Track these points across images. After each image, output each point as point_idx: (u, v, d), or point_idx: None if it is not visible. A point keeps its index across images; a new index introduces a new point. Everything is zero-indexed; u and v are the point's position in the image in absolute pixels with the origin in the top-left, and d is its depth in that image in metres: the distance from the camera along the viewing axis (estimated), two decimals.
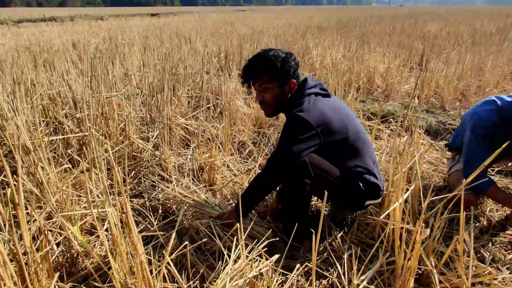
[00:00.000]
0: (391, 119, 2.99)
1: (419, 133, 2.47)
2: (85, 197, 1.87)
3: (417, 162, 1.46)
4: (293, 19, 14.65)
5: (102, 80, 2.39)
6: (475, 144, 1.66)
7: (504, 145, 1.10)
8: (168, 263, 1.04)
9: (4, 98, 2.37)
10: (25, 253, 1.02)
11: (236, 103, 2.98)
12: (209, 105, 2.78)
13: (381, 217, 1.41)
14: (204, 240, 1.52)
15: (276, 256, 1.19)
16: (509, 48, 4.87)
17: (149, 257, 1.14)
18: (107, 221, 1.41)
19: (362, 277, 1.24)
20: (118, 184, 0.97)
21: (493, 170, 2.26)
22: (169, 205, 1.87)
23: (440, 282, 1.31)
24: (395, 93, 3.64)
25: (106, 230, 1.57)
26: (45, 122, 2.52)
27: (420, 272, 1.37)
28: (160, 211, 1.82)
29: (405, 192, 1.47)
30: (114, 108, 2.39)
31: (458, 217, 1.82)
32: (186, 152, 2.48)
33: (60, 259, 1.42)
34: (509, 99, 1.67)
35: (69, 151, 2.06)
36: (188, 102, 3.13)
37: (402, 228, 1.24)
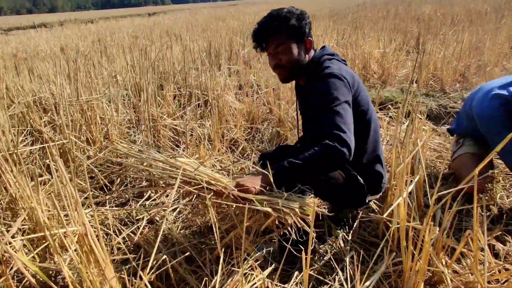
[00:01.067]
0: (389, 106, 2.85)
1: (420, 119, 2.33)
2: (63, 210, 1.74)
3: (420, 151, 1.33)
4: None
5: (82, 84, 2.25)
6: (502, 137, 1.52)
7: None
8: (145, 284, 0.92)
9: None
10: None
11: (226, 99, 2.84)
12: (198, 102, 2.64)
13: (384, 215, 1.29)
14: (187, 253, 1.40)
15: (268, 270, 1.07)
16: (506, 25, 4.71)
17: (124, 276, 1.02)
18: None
19: (367, 283, 1.11)
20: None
21: None
22: (154, 214, 1.74)
23: (452, 281, 1.19)
24: (392, 78, 3.50)
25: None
26: (26, 131, 2.40)
27: (431, 273, 1.25)
28: (145, 220, 1.69)
29: (409, 185, 1.34)
30: (96, 112, 2.26)
31: (466, 208, 1.70)
32: (175, 154, 2.35)
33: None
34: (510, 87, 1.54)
35: (47, 161, 1.92)
36: (178, 100, 3.00)
37: (408, 226, 1.12)
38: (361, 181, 1.34)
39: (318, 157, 1.11)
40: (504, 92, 1.54)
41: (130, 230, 1.63)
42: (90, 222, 1.69)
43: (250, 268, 1.05)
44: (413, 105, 2.70)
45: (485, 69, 3.14)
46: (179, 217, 1.80)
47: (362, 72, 3.59)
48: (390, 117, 2.76)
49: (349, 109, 1.19)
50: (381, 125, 2.62)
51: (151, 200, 1.94)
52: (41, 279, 1.12)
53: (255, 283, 1.05)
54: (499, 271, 1.26)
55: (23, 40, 10.06)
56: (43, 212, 1.15)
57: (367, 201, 1.39)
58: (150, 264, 0.93)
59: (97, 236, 0.93)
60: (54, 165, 1.40)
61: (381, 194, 1.47)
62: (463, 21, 5.98)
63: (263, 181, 1.16)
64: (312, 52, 1.38)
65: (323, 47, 1.41)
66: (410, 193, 1.50)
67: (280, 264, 1.08)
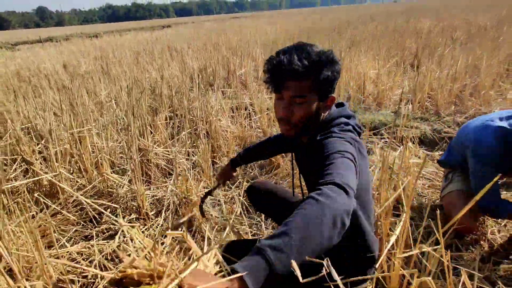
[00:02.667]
0: (382, 131, 2.84)
1: (410, 147, 2.32)
2: (51, 248, 1.74)
3: (402, 194, 1.31)
4: (286, 25, 14.57)
5: (73, 114, 2.26)
6: (488, 173, 1.49)
7: (495, 178, 0.95)
8: None
9: None
10: None
11: (219, 124, 2.84)
12: (190, 130, 2.65)
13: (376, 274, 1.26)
14: None
15: None
16: (505, 43, 4.70)
17: None
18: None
19: None
20: None
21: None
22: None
23: None
24: (387, 100, 3.49)
25: None
26: (19, 159, 2.41)
27: None
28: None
29: (392, 236, 1.32)
30: (87, 142, 2.27)
31: (456, 243, 1.67)
32: (167, 183, 2.35)
33: None
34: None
35: (36, 194, 1.93)
36: (172, 125, 3.01)
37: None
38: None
39: (315, 212, 0.71)
40: (505, 124, 1.52)
41: (117, 270, 1.62)
42: (74, 260, 1.68)
43: None
44: (405, 130, 2.69)
45: (480, 92, 3.13)
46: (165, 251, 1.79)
47: (357, 94, 3.59)
48: (384, 142, 2.75)
49: (354, 166, 0.89)
50: (374, 150, 2.60)
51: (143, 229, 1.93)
52: None
53: None
54: None
55: (28, 56, 10.22)
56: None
57: None
58: None
59: None
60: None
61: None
62: (460, 37, 5.99)
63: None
64: (327, 112, 1.08)
65: (342, 103, 1.14)
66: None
67: None
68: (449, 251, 0.96)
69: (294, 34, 9.17)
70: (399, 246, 1.23)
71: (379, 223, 1.48)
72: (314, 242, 0.67)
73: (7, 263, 1.40)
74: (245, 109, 3.43)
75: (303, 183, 1.29)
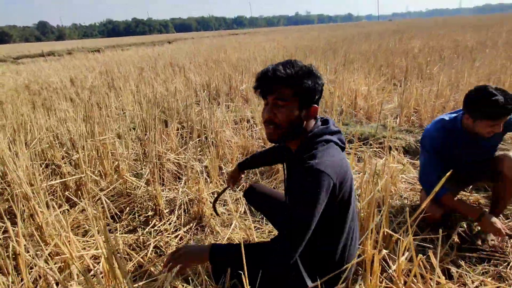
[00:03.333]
0: (371, 142, 3.15)
1: (393, 155, 2.62)
2: (83, 236, 2.01)
3: (387, 191, 1.60)
4: (284, 41, 15.13)
5: (95, 123, 2.56)
6: (427, 158, 1.84)
7: (447, 174, 1.25)
8: None
9: (5, 144, 2.55)
10: None
11: (224, 134, 3.15)
12: (199, 139, 2.95)
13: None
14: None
15: None
16: (483, 64, 5.09)
17: None
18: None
19: None
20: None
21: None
22: (158, 240, 2.00)
23: None
24: (376, 115, 3.82)
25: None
26: (44, 164, 2.69)
27: None
28: (152, 245, 1.95)
29: (373, 221, 1.61)
30: (108, 148, 2.55)
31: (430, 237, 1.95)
32: (178, 186, 2.63)
33: None
34: (453, 115, 1.86)
35: (66, 193, 2.20)
36: (181, 135, 3.31)
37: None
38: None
39: (261, 256, 1.11)
40: (445, 117, 1.88)
41: (140, 256, 1.88)
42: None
43: None
44: (391, 140, 3.00)
45: (460, 107, 3.46)
46: (180, 243, 2.06)
47: (349, 108, 3.92)
48: (374, 151, 3.06)
49: (316, 219, 1.09)
50: (362, 157, 2.91)
51: (156, 227, 2.20)
52: None
53: None
54: None
55: (34, 70, 10.54)
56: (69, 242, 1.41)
57: None
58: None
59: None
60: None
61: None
62: (448, 57, 6.40)
63: (197, 257, 1.18)
64: (313, 121, 1.22)
65: (327, 121, 1.26)
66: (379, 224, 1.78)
67: None
68: (411, 234, 1.24)
69: (291, 52, 9.61)
70: (381, 232, 1.51)
71: (362, 214, 1.77)
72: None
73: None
74: (247, 122, 3.74)
75: None
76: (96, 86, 7.23)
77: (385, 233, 1.79)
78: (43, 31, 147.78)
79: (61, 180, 2.20)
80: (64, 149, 2.87)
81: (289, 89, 1.13)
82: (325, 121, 1.26)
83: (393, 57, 6.89)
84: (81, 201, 2.26)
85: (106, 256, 1.13)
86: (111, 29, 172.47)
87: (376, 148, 3.05)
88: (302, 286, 1.21)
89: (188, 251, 1.18)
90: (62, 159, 2.78)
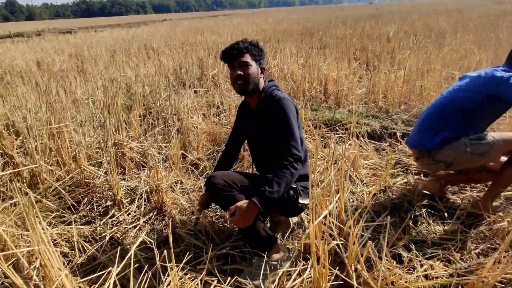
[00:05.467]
0: (337, 128, 3.16)
1: (355, 141, 2.65)
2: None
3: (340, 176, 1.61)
4: (264, 24, 14.89)
5: (53, 110, 2.45)
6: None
7: None
8: None
9: None
10: None
11: (191, 121, 3.08)
12: (162, 126, 2.87)
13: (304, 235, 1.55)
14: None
15: None
16: (452, 49, 5.17)
17: None
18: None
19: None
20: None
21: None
22: (115, 232, 1.96)
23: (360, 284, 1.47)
24: (345, 101, 3.84)
25: None
26: None
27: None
28: (107, 237, 1.90)
29: (328, 206, 1.62)
30: (65, 137, 2.45)
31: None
32: (140, 174, 2.57)
33: None
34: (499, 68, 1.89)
35: (18, 185, 2.11)
36: (149, 121, 3.22)
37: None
38: (300, 193, 1.75)
39: (290, 178, 1.57)
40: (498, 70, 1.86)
41: (95, 248, 1.84)
42: (55, 241, 1.89)
43: None
44: (357, 127, 3.03)
45: (423, 93, 3.52)
46: (139, 234, 2.02)
47: (319, 94, 3.92)
48: (340, 136, 3.08)
49: (298, 134, 1.64)
50: (328, 144, 2.92)
51: (114, 218, 2.15)
52: None
53: None
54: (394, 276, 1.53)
55: None
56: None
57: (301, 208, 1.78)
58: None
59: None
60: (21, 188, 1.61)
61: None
62: (424, 41, 6.46)
63: (254, 210, 1.54)
64: (262, 79, 1.78)
65: (272, 80, 1.83)
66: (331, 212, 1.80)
67: None
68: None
69: (269, 35, 9.47)
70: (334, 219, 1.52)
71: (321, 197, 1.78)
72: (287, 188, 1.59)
73: None
74: (218, 108, 3.69)
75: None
76: (63, 70, 6.94)
77: (341, 219, 1.82)
78: (11, 10, 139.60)
79: (10, 171, 2.10)
80: (21, 138, 2.74)
81: (247, 54, 1.70)
82: (270, 80, 1.84)
83: (368, 42, 6.91)
84: (35, 192, 2.19)
85: (39, 252, 1.08)
86: (85, 10, 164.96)
87: (342, 134, 3.07)
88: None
89: (243, 216, 1.53)
90: (20, 147, 2.66)
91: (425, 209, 2.06)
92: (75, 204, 2.25)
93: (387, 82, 3.92)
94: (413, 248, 1.77)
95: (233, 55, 1.69)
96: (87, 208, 2.25)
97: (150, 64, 6.45)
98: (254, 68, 1.70)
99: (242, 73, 1.68)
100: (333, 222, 1.69)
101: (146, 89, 3.69)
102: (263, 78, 1.80)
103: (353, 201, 2.22)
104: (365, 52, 6.24)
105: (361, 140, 2.88)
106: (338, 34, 8.15)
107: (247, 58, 1.69)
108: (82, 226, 2.07)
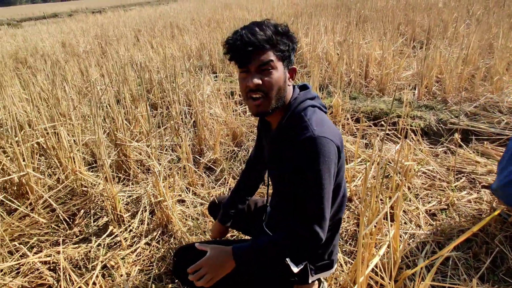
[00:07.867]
0: (383, 122, 2.62)
1: (409, 143, 2.11)
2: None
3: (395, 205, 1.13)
4: None
5: (49, 107, 2.11)
6: None
7: None
8: None
9: None
10: None
11: (207, 114, 2.66)
12: (173, 122, 2.47)
13: None
14: None
15: None
16: None
17: None
18: None
19: None
20: None
21: None
22: (109, 258, 1.61)
23: None
24: (391, 86, 3.23)
25: None
26: None
27: None
28: (99, 267, 1.56)
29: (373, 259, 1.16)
30: (62, 137, 2.12)
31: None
32: (147, 180, 2.21)
33: None
34: None
35: (1, 196, 1.81)
36: (160, 112, 2.84)
37: None
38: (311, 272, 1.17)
39: (291, 247, 1.02)
40: None
41: (84, 280, 1.51)
42: (38, 270, 1.58)
43: None
44: (408, 122, 2.47)
45: (493, 77, 2.84)
46: (138, 259, 1.67)
47: (358, 79, 3.33)
48: (387, 134, 2.54)
49: (331, 193, 1.01)
50: (373, 143, 2.40)
51: (112, 236, 1.81)
52: None
53: None
54: None
55: (29, 35, 10.03)
56: None
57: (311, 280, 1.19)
58: None
59: None
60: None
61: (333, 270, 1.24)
62: (480, 11, 5.56)
63: (228, 264, 1.02)
64: (291, 87, 1.08)
65: (305, 85, 1.13)
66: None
67: None
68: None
69: (301, 9, 8.74)
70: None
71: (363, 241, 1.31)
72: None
73: None
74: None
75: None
76: (87, 52, 6.72)
77: (395, 260, 1.35)
78: None
79: None
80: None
81: (274, 51, 0.99)
82: (303, 86, 1.13)
83: (414, 14, 6.05)
84: (23, 204, 1.89)
85: None
86: None
87: (389, 130, 2.52)
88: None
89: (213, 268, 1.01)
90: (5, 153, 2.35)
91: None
92: (71, 217, 1.93)
93: (443, 63, 3.26)
94: None
95: (248, 54, 0.96)
96: (83, 222, 1.93)
97: (173, 44, 6.06)
98: (280, 72, 0.99)
99: (261, 82, 0.97)
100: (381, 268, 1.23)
101: (161, 74, 3.29)
102: (292, 84, 1.08)
103: (406, 224, 1.73)
104: (410, 26, 5.44)
105: (412, 139, 2.33)
106: (378, 6, 7.28)
107: (271, 56, 0.97)
108: (75, 246, 1.75)
